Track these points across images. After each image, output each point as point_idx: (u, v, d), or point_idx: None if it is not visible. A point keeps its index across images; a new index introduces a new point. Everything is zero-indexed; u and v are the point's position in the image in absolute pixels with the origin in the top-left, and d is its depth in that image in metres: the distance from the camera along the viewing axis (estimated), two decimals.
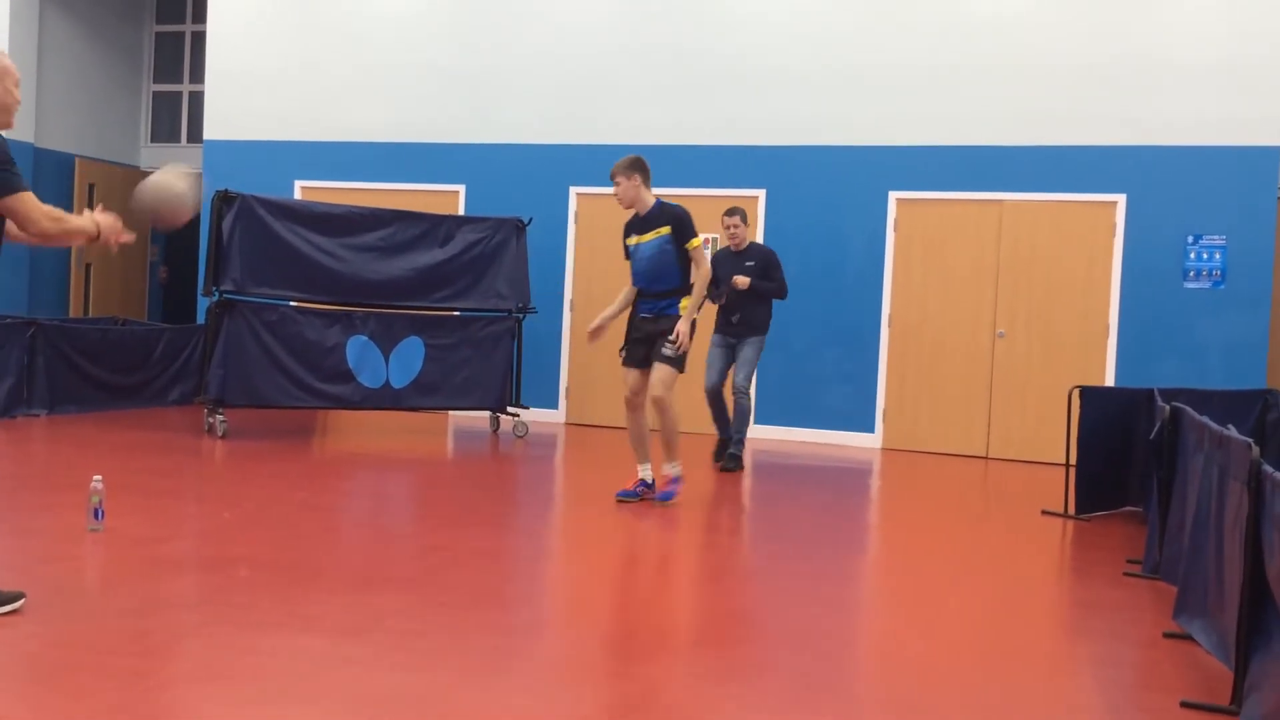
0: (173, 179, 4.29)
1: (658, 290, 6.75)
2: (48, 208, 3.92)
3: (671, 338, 6.59)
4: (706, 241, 10.14)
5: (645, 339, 6.77)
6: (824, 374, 10.52)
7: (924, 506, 7.67)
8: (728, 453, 8.52)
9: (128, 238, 4.18)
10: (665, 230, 6.70)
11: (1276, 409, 7.59)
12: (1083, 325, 10.05)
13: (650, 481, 6.94)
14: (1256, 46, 9.66)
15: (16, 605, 4.01)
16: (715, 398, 8.54)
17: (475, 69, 11.57)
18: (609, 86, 11.20)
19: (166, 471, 7.39)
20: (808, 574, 5.44)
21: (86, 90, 14.13)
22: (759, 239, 10.66)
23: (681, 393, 7.12)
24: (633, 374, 6.84)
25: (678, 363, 6.67)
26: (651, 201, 6.83)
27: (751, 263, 8.52)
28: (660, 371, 6.65)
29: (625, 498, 6.92)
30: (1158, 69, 9.88)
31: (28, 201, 3.85)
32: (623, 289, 7.04)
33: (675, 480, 6.91)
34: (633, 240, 6.86)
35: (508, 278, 10.05)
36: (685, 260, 6.71)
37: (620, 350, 6.95)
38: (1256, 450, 3.61)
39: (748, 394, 8.50)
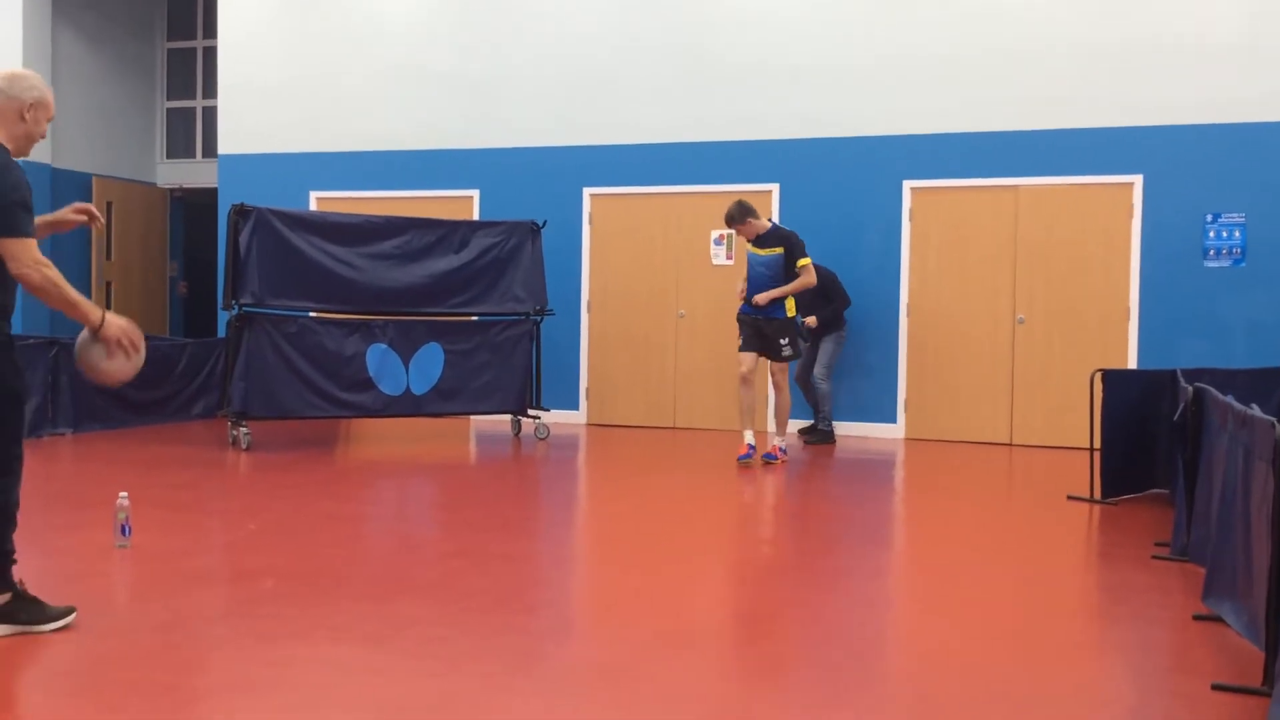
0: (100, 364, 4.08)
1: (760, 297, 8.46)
2: (45, 260, 3.82)
3: (766, 303, 8.37)
4: (721, 237, 10.64)
5: (756, 331, 8.52)
6: (844, 366, 10.48)
7: (949, 496, 7.64)
8: (817, 430, 10.11)
9: (131, 343, 3.98)
10: (779, 250, 8.46)
11: None
12: (1103, 308, 9.98)
13: (754, 445, 8.56)
14: (1269, 22, 9.57)
15: (69, 620, 4.07)
16: (804, 386, 10.19)
17: (485, 74, 11.60)
18: (619, 86, 11.20)
19: (191, 485, 7.43)
20: (834, 569, 5.42)
21: (101, 109, 14.23)
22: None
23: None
24: (747, 357, 8.54)
25: (795, 357, 8.64)
26: (767, 226, 8.59)
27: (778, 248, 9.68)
28: (777, 364, 8.59)
29: (745, 460, 8.52)
30: (1170, 48, 9.80)
31: (26, 246, 3.79)
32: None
33: (782, 450, 8.74)
34: (752, 249, 8.59)
35: (524, 281, 10.06)
36: (792, 275, 8.48)
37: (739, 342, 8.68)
38: None
39: (826, 380, 10.10)
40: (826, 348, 10.03)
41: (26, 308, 12.51)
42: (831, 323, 10.02)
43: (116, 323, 3.97)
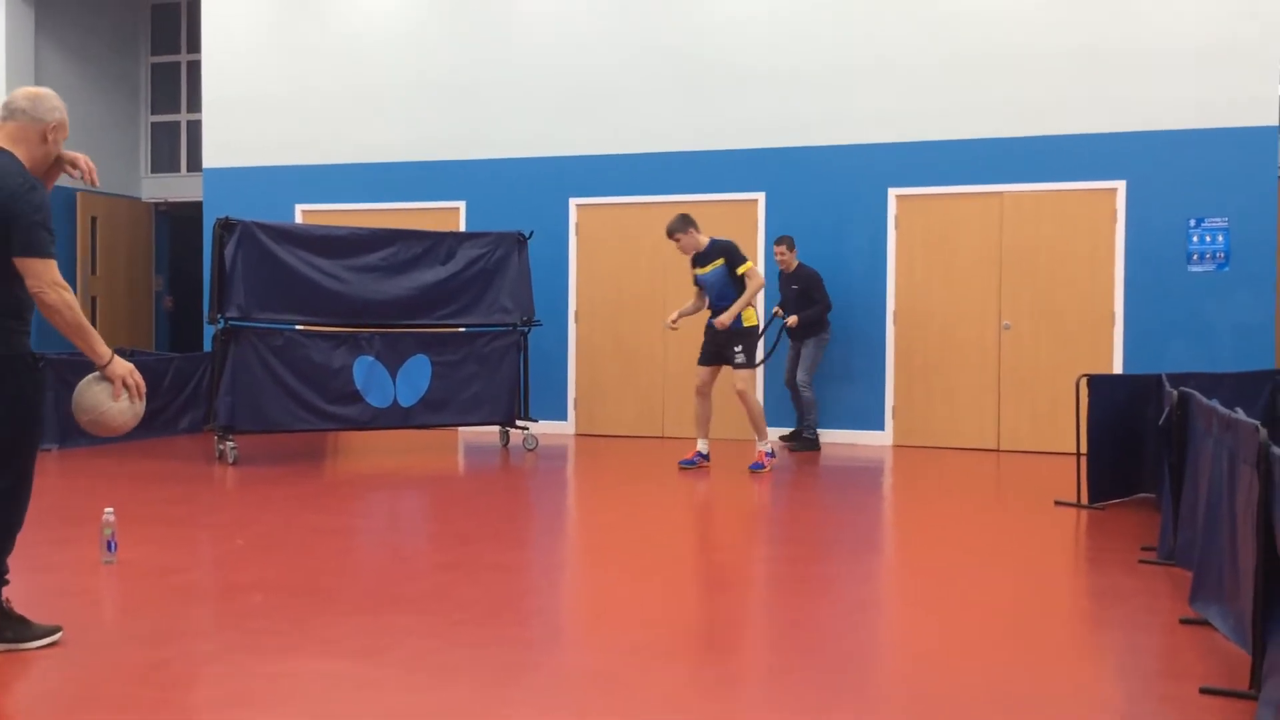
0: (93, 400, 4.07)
1: (721, 307, 8.49)
2: (64, 283, 3.88)
3: (728, 322, 8.34)
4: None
5: (714, 344, 8.56)
6: (832, 373, 10.51)
7: (937, 502, 7.66)
8: (802, 437, 10.07)
9: (134, 387, 4.04)
10: (720, 262, 8.47)
11: None
12: (1088, 313, 10.03)
13: (706, 454, 8.73)
14: (1249, 26, 9.64)
15: (55, 638, 4.05)
16: (791, 388, 10.21)
17: (470, 85, 11.61)
18: (604, 97, 11.22)
19: (178, 500, 7.40)
20: (824, 575, 5.43)
21: (85, 124, 14.18)
22: (760, 241, 10.73)
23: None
24: (703, 370, 8.64)
25: (748, 365, 8.51)
26: (706, 241, 8.58)
27: (796, 285, 10.02)
28: (738, 373, 8.48)
29: (687, 465, 8.69)
30: (1151, 53, 9.87)
31: (49, 267, 3.83)
32: (689, 298, 8.93)
33: (769, 455, 8.68)
34: (697, 271, 8.64)
35: (511, 291, 10.06)
36: (740, 281, 8.45)
37: (700, 355, 8.71)
38: (1264, 433, 3.60)
39: (808, 387, 10.05)
40: (808, 351, 10.03)
41: None
42: (813, 325, 10.01)
43: (124, 363, 4.02)
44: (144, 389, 4.09)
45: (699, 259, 8.59)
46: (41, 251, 3.82)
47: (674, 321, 8.69)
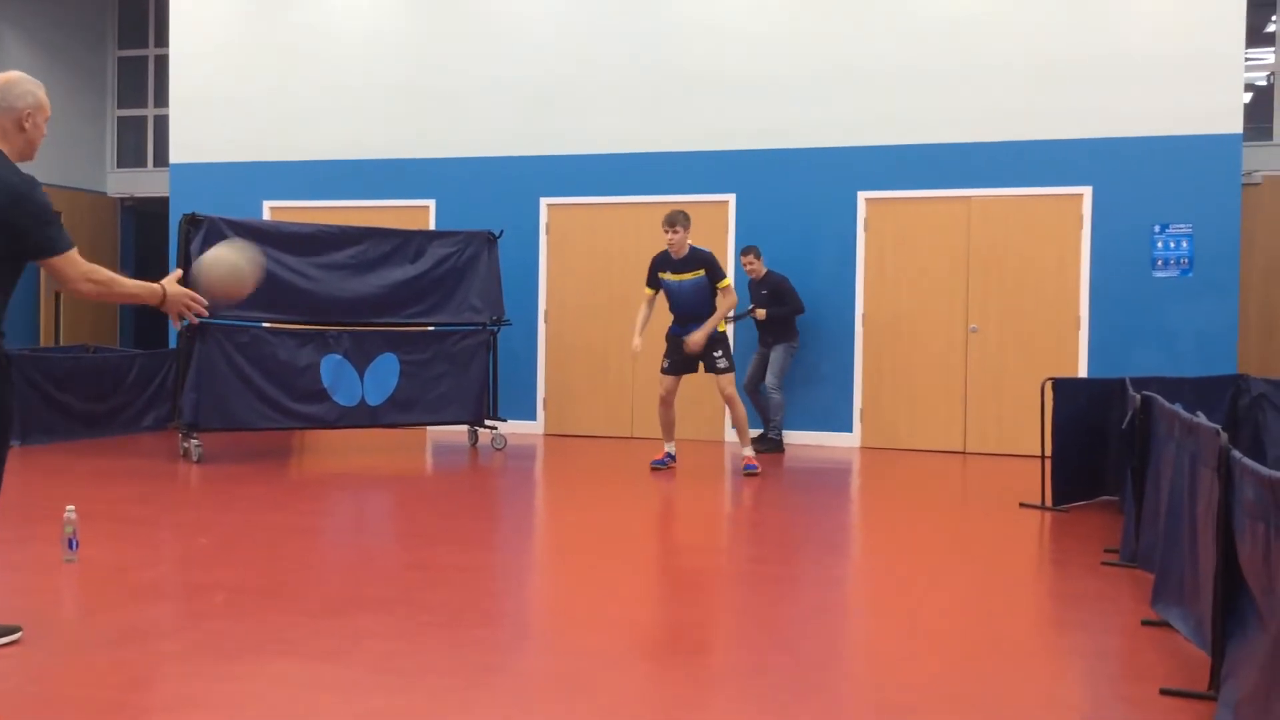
0: (227, 254, 4.19)
1: (696, 318, 8.40)
2: (90, 267, 3.80)
3: (703, 341, 8.28)
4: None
5: (680, 353, 8.45)
6: (800, 375, 10.54)
7: (903, 504, 7.70)
8: (766, 438, 10.04)
9: (199, 309, 4.03)
10: (701, 272, 8.36)
11: (1248, 394, 7.67)
12: (1054, 317, 10.12)
13: (673, 454, 8.77)
14: (1214, 35, 9.76)
15: (14, 637, 4.00)
16: (751, 392, 10.23)
17: (441, 84, 11.56)
18: (576, 97, 11.21)
19: (141, 499, 7.33)
20: (790, 577, 5.45)
21: (50, 117, 14.02)
22: (731, 242, 10.75)
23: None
24: (668, 380, 8.59)
25: (730, 368, 8.48)
26: (688, 247, 8.40)
27: (765, 291, 10.07)
28: (721, 379, 8.45)
29: (658, 466, 8.70)
30: (1118, 61, 9.97)
31: (72, 261, 3.75)
32: (640, 309, 8.67)
33: (754, 457, 8.66)
34: (669, 276, 8.45)
35: (481, 291, 10.03)
36: (714, 294, 8.40)
37: (663, 362, 8.64)
38: (1225, 437, 3.64)
39: (778, 389, 10.08)
40: (777, 357, 10.05)
41: None
42: (783, 332, 10.07)
43: (173, 291, 3.96)
44: (185, 297, 4.02)
45: (676, 264, 8.44)
46: (62, 246, 3.73)
47: (638, 344, 8.49)
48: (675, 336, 8.58)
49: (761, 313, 9.96)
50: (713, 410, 10.85)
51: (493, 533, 6.68)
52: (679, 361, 8.55)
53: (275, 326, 9.51)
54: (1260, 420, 7.58)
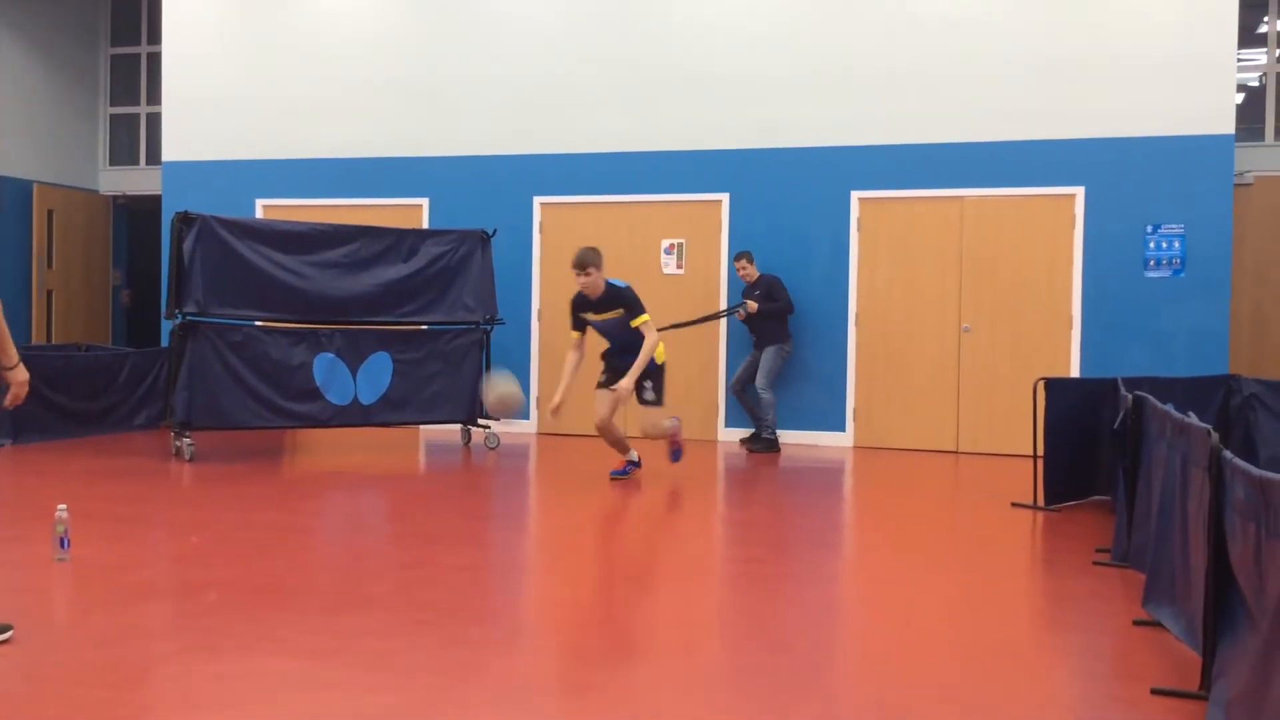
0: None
1: (628, 349, 7.91)
2: None
3: (631, 387, 7.79)
4: (671, 247, 10.68)
5: (616, 375, 7.97)
6: (794, 374, 10.55)
7: (896, 504, 7.71)
8: (761, 438, 10.05)
9: (20, 397, 4.23)
10: (619, 312, 7.91)
11: (1239, 394, 7.70)
12: (1046, 317, 10.14)
13: (637, 460, 8.39)
14: (1206, 36, 9.78)
15: (6, 636, 4.01)
16: (739, 394, 10.22)
17: (434, 82, 11.55)
18: (569, 96, 11.21)
19: (133, 497, 7.32)
20: (783, 576, 5.45)
21: (43, 115, 14.00)
22: (724, 242, 10.76)
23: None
24: (605, 395, 8.00)
25: (657, 403, 8.15)
26: (603, 286, 7.93)
27: (759, 292, 10.07)
28: (647, 411, 8.14)
29: (618, 475, 8.26)
30: (1110, 62, 9.98)
31: None
32: (568, 356, 8.14)
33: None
34: (590, 316, 8.06)
35: (474, 290, 10.02)
36: (637, 332, 7.88)
37: (600, 376, 8.23)
38: (1216, 437, 3.65)
39: (768, 389, 10.03)
40: (767, 359, 10.04)
41: None
42: (774, 334, 10.07)
43: (24, 377, 4.18)
44: (22, 388, 4.22)
45: (595, 304, 7.94)
46: None
47: (557, 408, 7.82)
48: (611, 356, 8.18)
49: (753, 305, 9.97)
50: (704, 409, 10.86)
51: (485, 531, 6.67)
52: (612, 379, 8.02)
53: (268, 325, 9.49)
54: (1251, 420, 7.60)
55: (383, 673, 3.82)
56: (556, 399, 7.87)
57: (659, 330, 8.17)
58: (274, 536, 6.11)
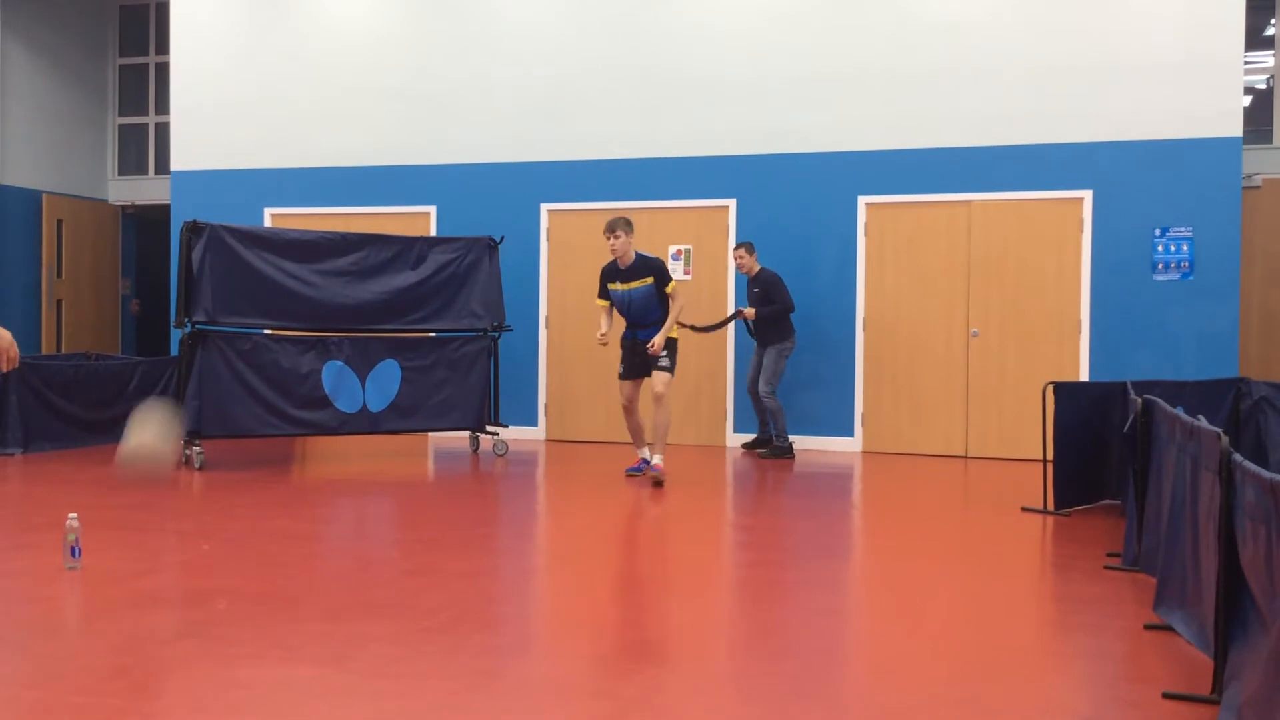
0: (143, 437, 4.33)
1: (648, 324, 8.35)
2: None
3: (659, 351, 8.21)
4: (678, 252, 10.70)
5: (637, 356, 8.39)
6: (801, 379, 10.54)
7: (905, 508, 7.69)
8: (772, 445, 10.07)
9: (11, 359, 4.16)
10: (649, 280, 8.23)
11: (1249, 397, 7.67)
12: (1055, 321, 10.12)
13: (648, 460, 8.53)
14: (1214, 39, 9.76)
15: None
16: (752, 395, 10.24)
17: (441, 90, 11.58)
18: (575, 103, 11.23)
19: (143, 506, 7.33)
20: (792, 581, 5.44)
21: (51, 125, 14.06)
22: (731, 243, 10.76)
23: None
24: (628, 385, 8.50)
25: (671, 369, 8.31)
26: (634, 255, 8.25)
27: (758, 289, 10.00)
28: (659, 375, 8.27)
29: (634, 472, 8.64)
30: (1118, 65, 9.97)
31: None
32: (600, 313, 8.54)
33: (645, 463, 8.63)
34: (618, 286, 8.33)
35: (482, 297, 10.04)
36: (666, 300, 8.29)
37: (619, 368, 8.58)
38: (1226, 440, 3.64)
39: (771, 396, 9.95)
40: (769, 360, 9.96)
41: None
42: (775, 332, 9.97)
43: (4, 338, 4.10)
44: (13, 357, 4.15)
45: (623, 274, 8.31)
46: None
47: (604, 335, 8.31)
48: (630, 341, 8.51)
49: (750, 312, 9.92)
50: (712, 414, 10.86)
51: (493, 538, 6.68)
52: (635, 365, 8.46)
53: (277, 333, 9.52)
54: (1261, 423, 7.57)
55: (392, 679, 3.82)
56: (603, 329, 8.32)
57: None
58: (284, 544, 6.12)
